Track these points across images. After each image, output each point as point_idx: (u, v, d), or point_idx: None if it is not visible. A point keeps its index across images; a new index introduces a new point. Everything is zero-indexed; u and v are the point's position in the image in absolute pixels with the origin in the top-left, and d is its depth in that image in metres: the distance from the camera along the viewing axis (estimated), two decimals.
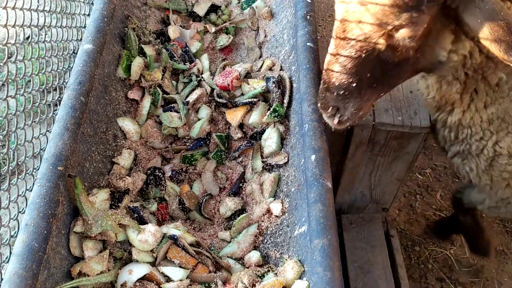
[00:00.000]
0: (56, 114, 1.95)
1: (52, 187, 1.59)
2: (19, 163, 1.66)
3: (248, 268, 1.78)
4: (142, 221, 1.84)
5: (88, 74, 1.92)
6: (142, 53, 2.31)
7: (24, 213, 1.56)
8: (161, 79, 2.25)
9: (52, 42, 1.96)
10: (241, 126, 2.20)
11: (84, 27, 2.25)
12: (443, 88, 1.73)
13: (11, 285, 1.37)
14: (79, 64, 1.93)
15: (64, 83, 2.02)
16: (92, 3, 2.36)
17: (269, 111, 2.09)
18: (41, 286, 1.47)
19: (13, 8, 1.73)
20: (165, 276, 1.72)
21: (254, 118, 2.10)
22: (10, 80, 1.88)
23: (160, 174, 2.02)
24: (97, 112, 1.99)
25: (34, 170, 1.81)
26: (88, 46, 1.99)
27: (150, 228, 1.77)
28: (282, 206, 1.85)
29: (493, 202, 2.13)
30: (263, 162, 2.02)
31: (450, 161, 2.06)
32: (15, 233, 1.58)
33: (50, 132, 1.89)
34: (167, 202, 2.00)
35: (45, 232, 1.51)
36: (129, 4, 2.46)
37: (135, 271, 1.70)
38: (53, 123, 1.89)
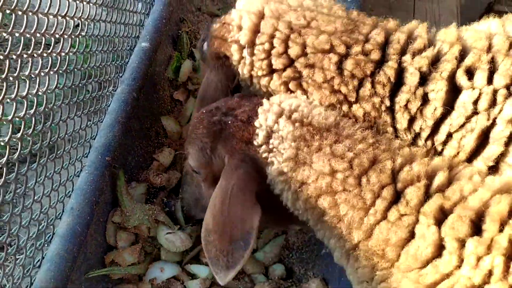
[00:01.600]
0: (97, 106, 2.01)
1: (99, 176, 1.65)
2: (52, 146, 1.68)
3: (271, 280, 1.82)
4: (172, 216, 1.89)
5: (142, 71, 1.99)
6: (191, 56, 2.38)
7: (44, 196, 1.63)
8: None
9: (99, 37, 1.98)
10: None
11: (134, 24, 2.31)
12: None
13: (51, 264, 1.43)
14: (135, 61, 2.01)
15: (107, 75, 2.05)
16: (150, 2, 2.44)
17: None
18: (77, 269, 1.53)
19: None
20: (189, 274, 1.77)
21: None
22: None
23: None
24: (145, 108, 2.06)
25: (73, 159, 1.85)
26: (145, 44, 2.06)
27: (181, 234, 1.82)
28: None
29: None
30: None
31: None
32: (59, 214, 1.64)
33: (89, 121, 1.94)
34: None
35: (88, 218, 1.57)
36: (185, 8, 2.54)
37: (166, 270, 1.76)
38: (87, 113, 1.94)
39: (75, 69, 1.83)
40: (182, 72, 2.29)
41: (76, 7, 1.81)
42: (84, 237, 1.55)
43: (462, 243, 1.08)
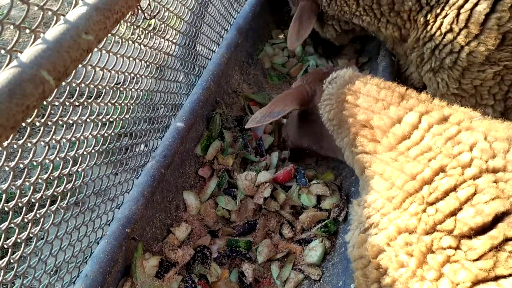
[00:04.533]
0: (124, 157, 2.14)
1: (116, 246, 1.76)
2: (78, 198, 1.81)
3: None
4: None
5: (173, 149, 2.15)
6: (221, 136, 2.55)
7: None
8: (231, 165, 2.46)
9: (138, 90, 2.11)
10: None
11: (173, 104, 2.49)
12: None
13: None
14: (168, 139, 2.18)
15: (141, 130, 2.19)
16: (192, 84, 2.65)
17: (320, 224, 2.22)
18: None
19: (115, 53, 1.95)
20: None
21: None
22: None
23: (207, 253, 2.16)
24: (169, 182, 2.20)
25: (95, 206, 1.97)
26: (180, 124, 2.24)
27: None
28: None
29: None
30: (296, 267, 2.15)
31: (422, 78, 2.59)
32: (74, 278, 1.74)
33: (114, 173, 2.06)
34: (208, 280, 2.11)
35: (99, 286, 1.67)
36: (222, 90, 2.74)
37: None
38: (118, 164, 2.07)
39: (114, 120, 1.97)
40: (210, 151, 2.45)
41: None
42: None
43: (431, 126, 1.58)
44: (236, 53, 2.90)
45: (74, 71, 1.13)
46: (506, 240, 1.24)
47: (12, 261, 1.42)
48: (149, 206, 2.01)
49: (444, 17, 2.21)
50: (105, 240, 1.77)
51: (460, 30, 2.17)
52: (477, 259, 1.24)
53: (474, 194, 1.33)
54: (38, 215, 1.51)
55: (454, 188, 1.37)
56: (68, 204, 1.68)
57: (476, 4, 2.07)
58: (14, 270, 1.44)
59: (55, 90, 1.02)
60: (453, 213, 1.33)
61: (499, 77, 2.27)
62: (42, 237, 1.62)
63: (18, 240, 1.43)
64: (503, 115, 2.48)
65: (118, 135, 2.09)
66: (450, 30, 2.21)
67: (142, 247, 1.92)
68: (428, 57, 2.42)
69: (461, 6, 2.11)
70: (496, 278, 1.21)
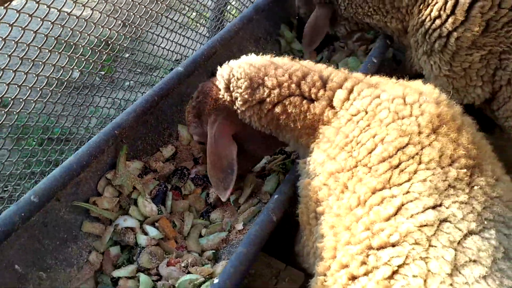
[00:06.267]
0: None
1: (103, 139, 2.35)
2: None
3: (201, 258, 2.31)
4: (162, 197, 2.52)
5: (170, 85, 2.71)
6: None
7: None
8: None
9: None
10: None
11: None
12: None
13: (46, 181, 2.12)
14: (168, 77, 2.75)
15: None
16: (202, 43, 3.21)
17: (279, 162, 2.63)
18: (67, 193, 2.20)
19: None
20: (143, 231, 2.33)
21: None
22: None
23: (186, 172, 2.68)
24: (166, 113, 2.76)
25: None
26: (180, 69, 2.80)
27: (153, 206, 2.43)
28: (244, 228, 2.36)
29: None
30: (253, 192, 2.57)
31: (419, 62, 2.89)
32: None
33: None
34: (181, 192, 2.62)
35: (85, 163, 2.26)
36: (233, 55, 3.25)
37: (128, 222, 2.35)
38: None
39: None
40: None
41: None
42: (78, 174, 2.22)
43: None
44: (251, 27, 3.41)
45: None
46: (401, 162, 1.65)
47: None
48: (142, 124, 2.58)
49: (434, 4, 2.54)
50: (97, 135, 2.37)
51: (448, 16, 2.50)
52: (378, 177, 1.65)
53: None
54: None
55: (373, 136, 1.76)
56: None
57: None
58: None
59: None
60: (370, 152, 1.73)
61: (485, 60, 2.54)
62: None
63: None
64: (493, 96, 2.70)
65: None
66: (439, 16, 2.54)
67: (127, 150, 2.49)
68: (421, 42, 2.75)
69: None
70: (390, 187, 1.62)
